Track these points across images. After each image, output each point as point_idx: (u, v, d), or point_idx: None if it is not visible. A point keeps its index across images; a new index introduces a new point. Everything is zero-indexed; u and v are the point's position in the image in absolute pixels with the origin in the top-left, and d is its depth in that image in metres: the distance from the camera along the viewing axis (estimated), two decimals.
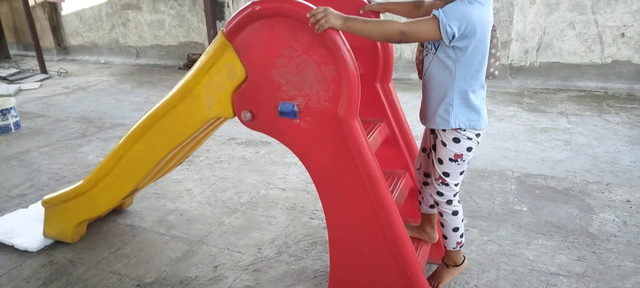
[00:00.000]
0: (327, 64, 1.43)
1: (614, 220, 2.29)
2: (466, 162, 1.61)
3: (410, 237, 1.92)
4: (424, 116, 1.64)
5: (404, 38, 1.41)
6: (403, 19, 1.50)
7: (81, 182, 2.13)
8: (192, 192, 2.75)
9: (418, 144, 2.03)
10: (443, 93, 1.52)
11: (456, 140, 1.56)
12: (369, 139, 1.71)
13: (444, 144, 1.59)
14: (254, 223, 2.38)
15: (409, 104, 4.29)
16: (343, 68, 1.40)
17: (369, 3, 1.81)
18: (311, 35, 1.42)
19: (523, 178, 2.75)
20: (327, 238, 1.69)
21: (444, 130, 1.57)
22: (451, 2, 1.40)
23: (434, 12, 1.39)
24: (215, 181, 2.88)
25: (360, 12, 1.78)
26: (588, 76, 4.58)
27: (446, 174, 1.63)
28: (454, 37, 1.39)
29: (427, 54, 1.55)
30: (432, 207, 1.84)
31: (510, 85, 4.71)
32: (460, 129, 1.54)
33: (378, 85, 1.88)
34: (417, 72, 1.68)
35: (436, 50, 1.49)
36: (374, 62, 1.85)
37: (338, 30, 1.42)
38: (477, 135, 1.57)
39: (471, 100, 1.50)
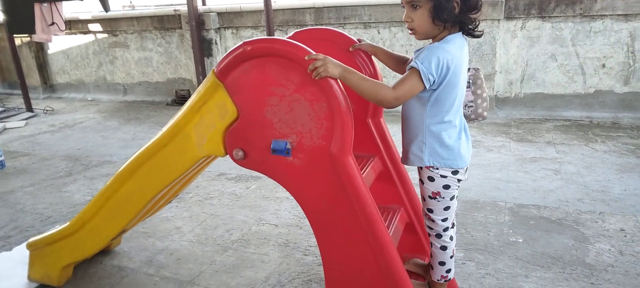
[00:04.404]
0: (320, 102, 1.43)
1: (609, 249, 2.28)
2: (447, 199, 1.62)
3: (418, 274, 1.90)
4: (403, 153, 1.67)
5: (397, 102, 1.46)
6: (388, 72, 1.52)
7: (67, 223, 2.07)
8: (182, 230, 2.69)
9: (411, 177, 2.03)
10: (416, 131, 1.56)
11: (430, 178, 1.59)
12: (362, 174, 1.70)
13: (422, 182, 1.63)
14: (246, 261, 2.33)
15: (398, 135, 4.31)
16: (336, 105, 1.40)
17: (359, 42, 1.83)
18: (303, 74, 1.42)
19: (516, 209, 2.74)
20: (323, 275, 1.65)
21: (421, 168, 1.61)
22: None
23: (412, 64, 1.43)
24: (205, 218, 2.83)
25: (350, 49, 1.80)
26: (572, 106, 4.67)
27: (430, 210, 1.66)
28: (434, 82, 1.43)
29: None
30: None
31: (497, 116, 4.77)
32: (433, 167, 1.56)
33: (369, 120, 1.89)
34: None
35: None
36: (364, 99, 1.85)
37: None
38: (454, 173, 1.58)
39: (444, 139, 1.53)
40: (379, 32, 5.15)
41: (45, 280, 2.15)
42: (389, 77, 4.51)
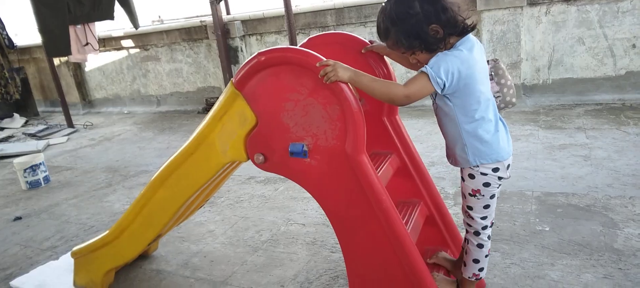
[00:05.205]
0: (332, 104, 1.50)
1: (639, 234, 2.24)
2: (487, 197, 1.64)
3: (444, 267, 1.94)
4: (449, 157, 1.70)
5: (408, 100, 1.50)
6: (398, 72, 1.57)
7: (107, 231, 2.22)
8: (215, 233, 2.81)
9: (430, 171, 2.07)
10: (455, 135, 1.59)
11: (471, 176, 1.62)
12: (379, 170, 1.76)
13: (463, 180, 1.66)
14: (275, 260, 2.42)
15: (423, 130, 4.32)
16: (347, 107, 1.47)
17: (371, 44, 1.88)
18: (315, 79, 1.50)
19: (543, 198, 2.72)
20: None
21: (463, 167, 1.64)
22: (433, 55, 1.49)
23: (422, 69, 1.48)
24: (236, 221, 2.94)
25: (362, 51, 1.86)
26: (603, 89, 4.54)
27: (470, 208, 1.69)
28: (445, 86, 1.47)
29: (433, 103, 1.64)
30: None
31: (525, 104, 4.69)
32: (473, 165, 1.59)
33: (385, 119, 1.94)
34: None
35: (435, 99, 1.59)
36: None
37: None
38: (494, 169, 1.60)
39: (482, 135, 1.55)
40: None
41: (90, 285, 2.30)
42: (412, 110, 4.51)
